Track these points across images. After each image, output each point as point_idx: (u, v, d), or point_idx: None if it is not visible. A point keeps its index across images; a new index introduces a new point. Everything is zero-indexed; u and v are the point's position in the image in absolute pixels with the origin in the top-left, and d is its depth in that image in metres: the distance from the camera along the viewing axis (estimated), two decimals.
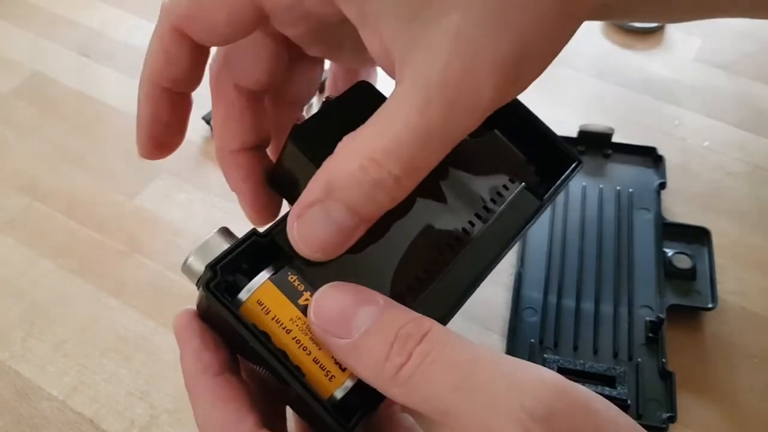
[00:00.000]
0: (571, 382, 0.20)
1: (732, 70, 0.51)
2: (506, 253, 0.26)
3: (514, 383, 0.19)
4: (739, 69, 0.51)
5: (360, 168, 0.20)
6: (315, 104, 0.46)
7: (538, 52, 0.22)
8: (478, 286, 0.25)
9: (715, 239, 0.39)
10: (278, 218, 0.25)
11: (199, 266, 0.23)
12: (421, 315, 0.22)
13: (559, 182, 0.28)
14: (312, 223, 0.22)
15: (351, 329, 0.21)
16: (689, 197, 0.43)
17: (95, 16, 0.55)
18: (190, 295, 0.37)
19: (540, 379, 0.20)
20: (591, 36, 0.54)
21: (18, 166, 0.43)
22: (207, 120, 0.45)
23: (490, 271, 0.25)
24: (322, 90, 0.44)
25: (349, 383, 0.22)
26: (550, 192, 0.27)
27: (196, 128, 0.46)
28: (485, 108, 0.21)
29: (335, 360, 0.22)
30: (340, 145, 0.22)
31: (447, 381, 0.20)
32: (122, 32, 0.53)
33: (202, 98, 0.48)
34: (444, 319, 0.24)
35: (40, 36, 0.53)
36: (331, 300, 0.22)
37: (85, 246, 0.39)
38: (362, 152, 0.21)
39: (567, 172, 0.28)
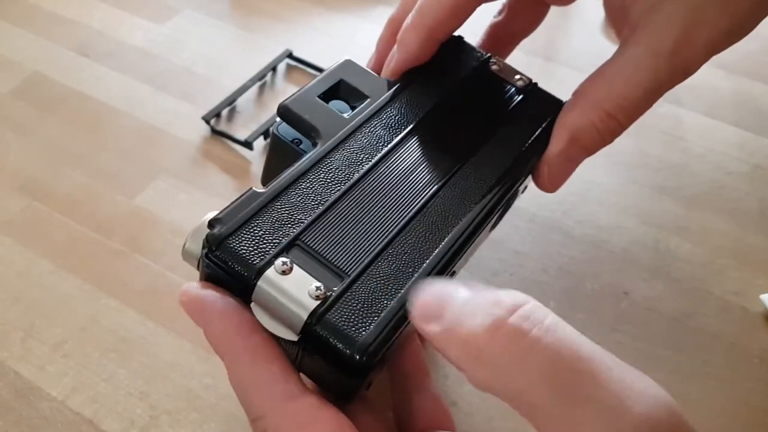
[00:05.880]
0: (677, 404, 0.18)
1: (732, 70, 0.51)
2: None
3: (627, 395, 0.17)
4: (739, 69, 0.51)
5: (600, 120, 0.27)
6: None
7: (732, 39, 0.27)
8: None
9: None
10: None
11: (197, 248, 0.24)
12: (514, 291, 0.20)
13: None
14: (560, 169, 0.29)
15: (444, 312, 0.20)
16: (689, 197, 0.43)
17: (95, 16, 0.55)
18: None
19: (653, 395, 0.18)
20: (591, 35, 0.54)
21: (18, 166, 0.43)
22: (207, 120, 0.45)
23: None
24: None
25: None
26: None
27: (196, 128, 0.46)
28: (692, 73, 0.27)
29: None
30: (575, 97, 0.29)
31: (545, 372, 0.18)
32: (122, 32, 0.53)
33: (201, 99, 0.49)
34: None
35: (39, 36, 0.53)
36: (426, 290, 0.21)
37: (84, 246, 0.39)
38: (601, 106, 0.27)
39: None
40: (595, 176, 0.44)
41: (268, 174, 0.31)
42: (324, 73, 0.30)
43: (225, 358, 0.23)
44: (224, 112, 0.47)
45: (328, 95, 0.29)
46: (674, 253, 0.40)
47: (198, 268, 0.24)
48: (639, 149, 0.46)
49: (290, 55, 0.51)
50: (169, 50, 0.52)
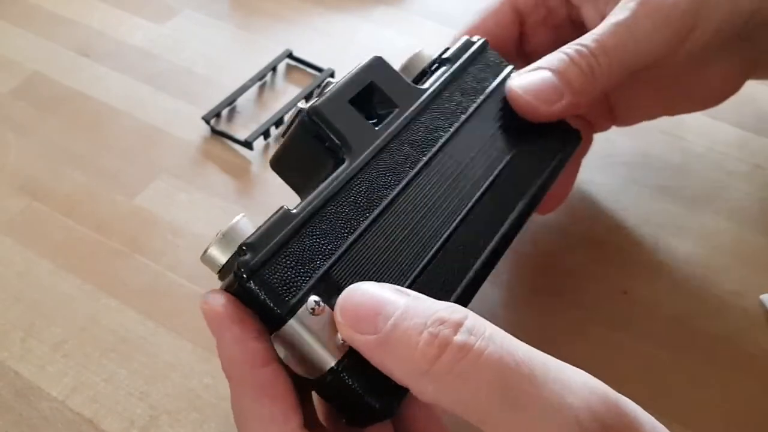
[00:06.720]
0: (616, 392, 0.19)
1: None
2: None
3: (566, 392, 0.18)
4: None
5: (577, 53, 0.30)
6: None
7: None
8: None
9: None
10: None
11: (221, 257, 0.23)
12: (452, 303, 0.20)
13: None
14: (532, 77, 0.30)
15: (378, 323, 0.20)
16: (689, 197, 0.43)
17: (95, 16, 0.55)
18: (189, 295, 0.37)
19: (589, 388, 0.18)
20: None
21: (18, 166, 0.43)
22: (206, 120, 0.45)
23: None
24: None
25: None
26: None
27: (196, 128, 0.46)
28: (661, 37, 0.31)
29: None
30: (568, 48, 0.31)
31: (491, 382, 0.18)
32: (122, 32, 0.53)
33: (201, 99, 0.49)
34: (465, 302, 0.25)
35: (39, 36, 0.53)
36: (356, 296, 0.21)
37: (84, 246, 0.39)
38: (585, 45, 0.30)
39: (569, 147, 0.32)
40: (595, 176, 0.44)
41: (286, 162, 0.30)
42: (353, 73, 0.29)
43: (231, 382, 0.22)
44: (224, 112, 0.47)
45: (357, 99, 0.28)
46: (674, 253, 0.40)
47: (217, 273, 0.24)
48: (639, 149, 0.46)
49: (290, 55, 0.51)
50: (169, 50, 0.52)
